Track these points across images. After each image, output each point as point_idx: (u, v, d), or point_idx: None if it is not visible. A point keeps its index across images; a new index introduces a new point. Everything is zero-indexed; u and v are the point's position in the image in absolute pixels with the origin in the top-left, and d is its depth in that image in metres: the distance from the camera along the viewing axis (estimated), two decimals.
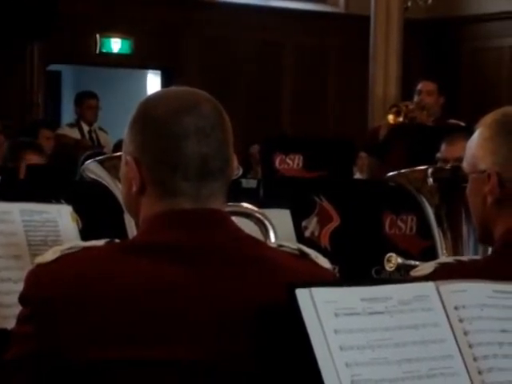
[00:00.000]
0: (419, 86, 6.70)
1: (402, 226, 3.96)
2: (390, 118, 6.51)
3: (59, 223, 2.35)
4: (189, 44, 9.95)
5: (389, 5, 8.79)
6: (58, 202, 2.72)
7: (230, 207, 2.17)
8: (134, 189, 1.58)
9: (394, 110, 6.55)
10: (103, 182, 2.31)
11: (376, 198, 4.06)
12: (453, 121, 6.63)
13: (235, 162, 1.64)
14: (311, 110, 10.40)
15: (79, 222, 2.49)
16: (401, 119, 6.48)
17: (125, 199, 1.65)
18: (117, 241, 1.58)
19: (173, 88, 1.66)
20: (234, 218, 1.62)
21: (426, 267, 1.73)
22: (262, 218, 2.32)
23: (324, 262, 1.62)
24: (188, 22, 9.81)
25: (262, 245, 1.62)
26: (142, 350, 1.46)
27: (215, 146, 1.56)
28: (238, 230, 1.60)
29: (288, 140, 7.01)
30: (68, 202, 2.58)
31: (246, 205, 2.33)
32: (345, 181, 5.11)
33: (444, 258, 1.85)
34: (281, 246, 1.62)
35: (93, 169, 2.33)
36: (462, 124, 6.45)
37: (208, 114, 1.57)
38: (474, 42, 10.63)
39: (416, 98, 6.62)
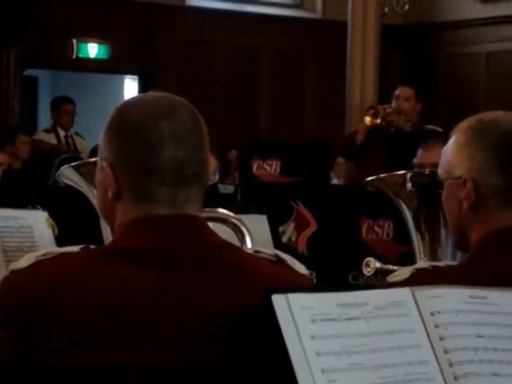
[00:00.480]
0: (397, 92, 6.74)
1: (379, 231, 3.97)
2: (367, 119, 6.54)
3: (34, 229, 2.34)
4: (166, 49, 9.94)
5: (366, 11, 8.83)
6: (33, 207, 2.70)
7: (206, 213, 2.16)
8: (110, 195, 1.58)
9: (372, 111, 6.58)
10: (78, 188, 2.30)
11: (353, 204, 4.07)
12: (430, 126, 6.68)
13: (212, 167, 1.63)
14: (288, 115, 10.42)
15: (55, 227, 2.48)
16: (378, 121, 6.50)
17: (100, 205, 1.64)
18: (92, 247, 1.57)
19: (149, 94, 1.65)
20: (210, 224, 1.62)
21: (403, 273, 1.73)
22: (238, 223, 2.31)
23: (300, 268, 1.62)
24: (165, 27, 9.81)
25: (238, 250, 1.62)
26: (115, 355, 1.45)
27: (191, 151, 1.56)
28: (214, 235, 1.59)
29: (265, 145, 7.02)
30: (44, 208, 2.57)
31: (222, 210, 2.33)
32: (322, 186, 5.13)
33: (421, 263, 1.85)
34: (257, 251, 1.62)
35: (68, 174, 2.32)
36: (439, 130, 6.50)
37: (184, 119, 1.57)
38: (450, 47, 10.69)
39: (393, 104, 6.65)
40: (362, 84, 8.63)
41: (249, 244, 2.29)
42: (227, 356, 1.48)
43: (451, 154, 1.81)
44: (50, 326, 1.46)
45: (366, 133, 6.54)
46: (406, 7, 9.34)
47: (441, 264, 1.81)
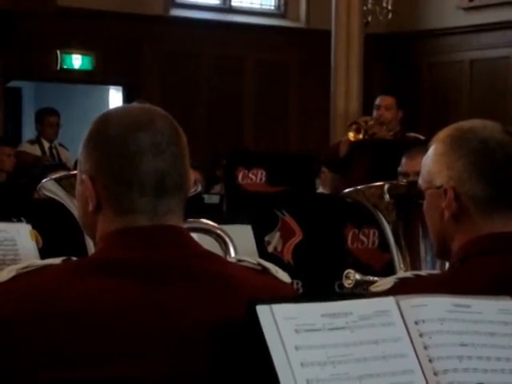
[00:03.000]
0: (377, 101, 6.77)
1: (365, 239, 3.98)
2: (351, 135, 6.56)
3: (17, 242, 2.33)
4: (150, 59, 9.94)
5: (349, 20, 8.85)
6: (18, 219, 2.69)
7: (189, 223, 2.15)
8: (90, 207, 1.57)
9: (354, 127, 6.59)
10: (60, 200, 2.29)
11: (338, 212, 4.08)
12: (412, 134, 6.72)
13: (192, 178, 1.63)
14: (273, 124, 10.43)
15: (39, 239, 2.47)
16: (361, 136, 6.53)
17: (81, 218, 1.63)
18: (74, 259, 1.56)
19: (127, 105, 1.66)
20: (193, 235, 1.62)
21: (385, 282, 1.73)
22: (221, 233, 2.31)
23: (283, 276, 1.62)
24: (149, 38, 9.80)
25: (221, 260, 1.61)
26: (97, 368, 1.44)
27: (171, 162, 1.55)
28: (197, 245, 1.59)
29: (251, 155, 7.03)
30: (28, 220, 2.56)
31: (205, 221, 2.32)
32: (307, 195, 5.13)
33: (402, 273, 1.85)
34: (240, 260, 1.62)
35: (50, 187, 2.31)
36: (422, 137, 6.54)
37: (162, 129, 1.57)
38: (434, 56, 10.74)
39: (375, 113, 6.69)
40: (347, 93, 8.65)
41: (232, 253, 2.29)
42: (211, 368, 1.48)
43: (431, 164, 1.81)
44: (32, 339, 1.44)
45: (348, 145, 6.57)
46: (390, 16, 9.38)
47: (423, 273, 1.81)
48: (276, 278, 1.61)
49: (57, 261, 1.54)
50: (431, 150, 1.83)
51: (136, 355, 1.46)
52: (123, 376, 1.45)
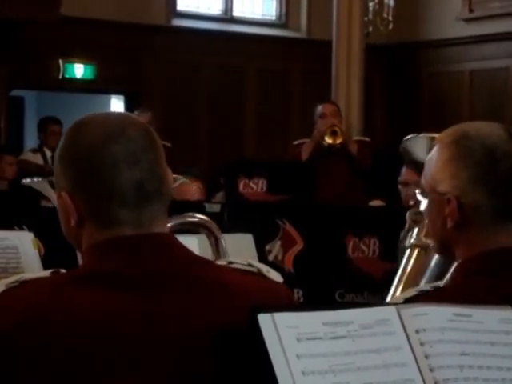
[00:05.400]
0: (321, 109, 6.85)
1: (365, 249, 3.99)
2: (329, 140, 6.65)
3: (20, 250, 2.33)
4: (151, 68, 9.95)
5: (350, 30, 8.87)
6: (20, 228, 2.70)
7: (176, 219, 2.11)
8: (73, 223, 1.56)
9: (330, 130, 6.68)
10: (53, 201, 2.28)
11: (339, 222, 4.09)
12: (357, 138, 6.99)
13: (171, 177, 1.61)
14: (274, 134, 10.44)
15: (41, 248, 2.48)
16: (339, 141, 6.64)
17: (64, 231, 1.61)
18: (62, 271, 1.54)
19: (97, 115, 1.61)
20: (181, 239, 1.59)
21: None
22: (209, 225, 2.24)
23: (275, 276, 1.60)
24: (150, 47, 9.82)
25: (211, 264, 1.59)
26: (88, 380, 1.42)
27: (148, 169, 1.54)
28: (185, 251, 1.56)
29: (251, 164, 7.04)
30: (30, 229, 2.57)
31: (191, 214, 2.25)
32: (308, 205, 5.14)
33: (408, 291, 1.80)
34: (231, 262, 1.59)
35: (43, 188, 2.30)
36: (367, 139, 6.83)
37: (135, 137, 1.54)
38: (434, 66, 10.75)
39: (319, 122, 6.77)
40: (347, 103, 8.66)
41: (223, 246, 2.22)
42: (209, 376, 1.47)
43: (435, 169, 1.78)
44: (22, 356, 1.43)
45: (310, 151, 6.67)
46: (390, 26, 9.40)
47: (427, 288, 1.77)
48: (268, 278, 1.59)
49: (46, 273, 1.53)
50: (436, 152, 1.79)
51: (128, 367, 1.44)
52: None
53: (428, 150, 1.88)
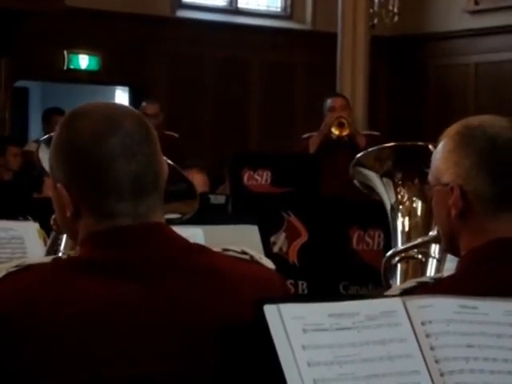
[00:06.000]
0: (330, 103, 6.84)
1: (370, 241, 3.99)
2: (336, 132, 6.65)
3: (25, 240, 2.34)
4: (156, 60, 9.95)
5: (355, 22, 8.85)
6: (25, 218, 2.70)
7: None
8: (68, 214, 1.56)
9: (337, 122, 6.67)
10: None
11: (344, 214, 4.08)
12: (366, 132, 6.96)
13: (166, 167, 1.62)
14: (279, 126, 10.43)
15: (46, 238, 2.48)
16: (346, 132, 6.63)
17: (60, 222, 1.62)
18: (63, 257, 1.56)
19: (93, 106, 1.61)
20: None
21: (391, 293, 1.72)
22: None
23: (268, 263, 1.63)
24: (155, 39, 9.82)
25: (207, 252, 1.60)
26: (86, 368, 1.43)
27: (144, 162, 1.55)
28: (182, 240, 1.58)
29: (256, 156, 7.04)
30: (35, 219, 2.57)
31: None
32: (312, 196, 5.14)
33: (407, 282, 1.81)
34: (225, 249, 1.62)
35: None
36: (376, 133, 6.89)
37: (131, 130, 1.55)
38: (439, 59, 10.73)
39: (328, 115, 6.76)
40: (352, 95, 8.64)
41: None
42: (213, 364, 1.48)
43: (439, 160, 1.80)
44: (24, 341, 1.43)
45: (318, 144, 6.66)
46: (396, 19, 9.38)
47: (426, 279, 1.78)
48: (262, 265, 1.61)
49: (47, 259, 1.55)
50: (440, 146, 1.81)
51: (127, 355, 1.45)
52: (114, 376, 1.44)
53: None
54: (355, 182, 2.69)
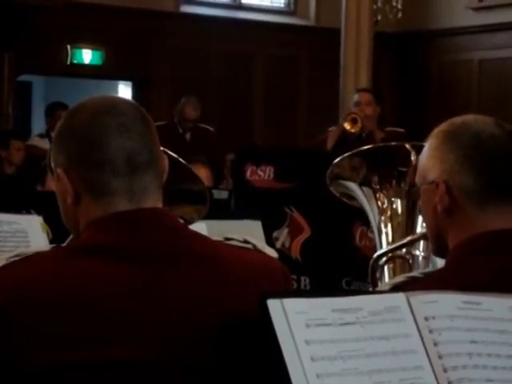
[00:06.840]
0: (357, 98, 6.84)
1: (373, 237, 3.98)
2: (348, 126, 6.63)
3: (29, 234, 2.34)
4: (160, 55, 9.95)
5: (359, 18, 8.85)
6: (28, 212, 2.70)
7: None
8: (69, 200, 1.59)
9: (350, 117, 6.66)
10: None
11: (346, 210, 4.08)
12: (390, 128, 6.88)
13: (165, 161, 1.65)
14: (282, 121, 10.44)
15: (49, 232, 2.48)
16: (359, 127, 6.61)
17: (62, 213, 1.65)
18: (63, 245, 1.59)
19: (93, 98, 1.67)
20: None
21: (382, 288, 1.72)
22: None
23: (271, 252, 1.63)
24: (159, 33, 9.81)
25: (208, 241, 1.61)
26: (95, 351, 1.45)
27: (139, 139, 1.58)
28: (183, 227, 1.60)
29: (259, 151, 7.03)
30: (38, 213, 2.57)
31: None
32: (315, 192, 5.13)
33: (397, 277, 1.81)
34: (228, 239, 1.63)
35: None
36: (401, 130, 6.76)
37: (126, 110, 1.60)
38: (443, 55, 10.72)
39: (354, 110, 6.75)
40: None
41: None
42: (212, 353, 1.48)
43: (425, 160, 1.81)
44: (27, 325, 1.45)
45: (336, 139, 6.65)
46: (399, 15, 9.37)
47: (416, 274, 1.78)
48: (264, 253, 1.62)
49: (46, 247, 1.57)
50: (426, 147, 1.82)
51: (128, 339, 1.46)
52: (122, 358, 1.45)
53: None
54: (336, 193, 2.72)
